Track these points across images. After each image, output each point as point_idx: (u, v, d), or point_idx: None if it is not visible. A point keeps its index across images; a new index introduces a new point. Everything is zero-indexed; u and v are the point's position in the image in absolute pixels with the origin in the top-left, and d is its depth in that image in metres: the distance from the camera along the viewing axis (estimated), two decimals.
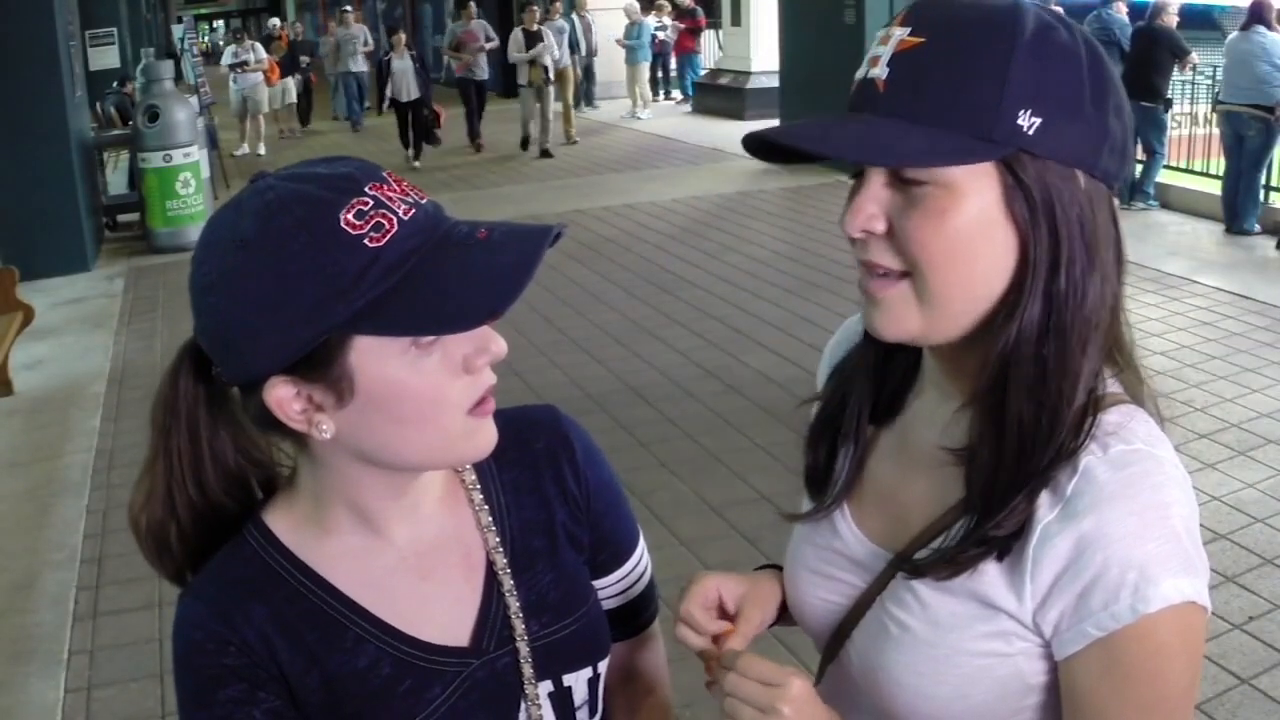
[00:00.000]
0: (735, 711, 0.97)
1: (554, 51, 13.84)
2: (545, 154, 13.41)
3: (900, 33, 0.92)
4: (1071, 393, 0.92)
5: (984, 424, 0.94)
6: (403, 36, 14.37)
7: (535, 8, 13.97)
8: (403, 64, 13.59)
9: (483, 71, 14.39)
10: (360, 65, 16.92)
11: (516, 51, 13.62)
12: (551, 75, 13.70)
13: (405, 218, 0.91)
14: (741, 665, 0.98)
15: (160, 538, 1.02)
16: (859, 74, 0.94)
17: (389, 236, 0.90)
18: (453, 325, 0.91)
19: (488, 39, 14.50)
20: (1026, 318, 0.91)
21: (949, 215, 0.90)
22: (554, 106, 13.86)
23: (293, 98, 17.07)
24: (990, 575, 0.94)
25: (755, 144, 0.97)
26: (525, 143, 13.96)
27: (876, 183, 0.93)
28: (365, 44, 16.99)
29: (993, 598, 0.94)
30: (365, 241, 0.89)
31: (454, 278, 0.90)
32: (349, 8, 18.20)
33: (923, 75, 0.90)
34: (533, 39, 13.59)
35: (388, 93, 13.65)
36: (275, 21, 20.71)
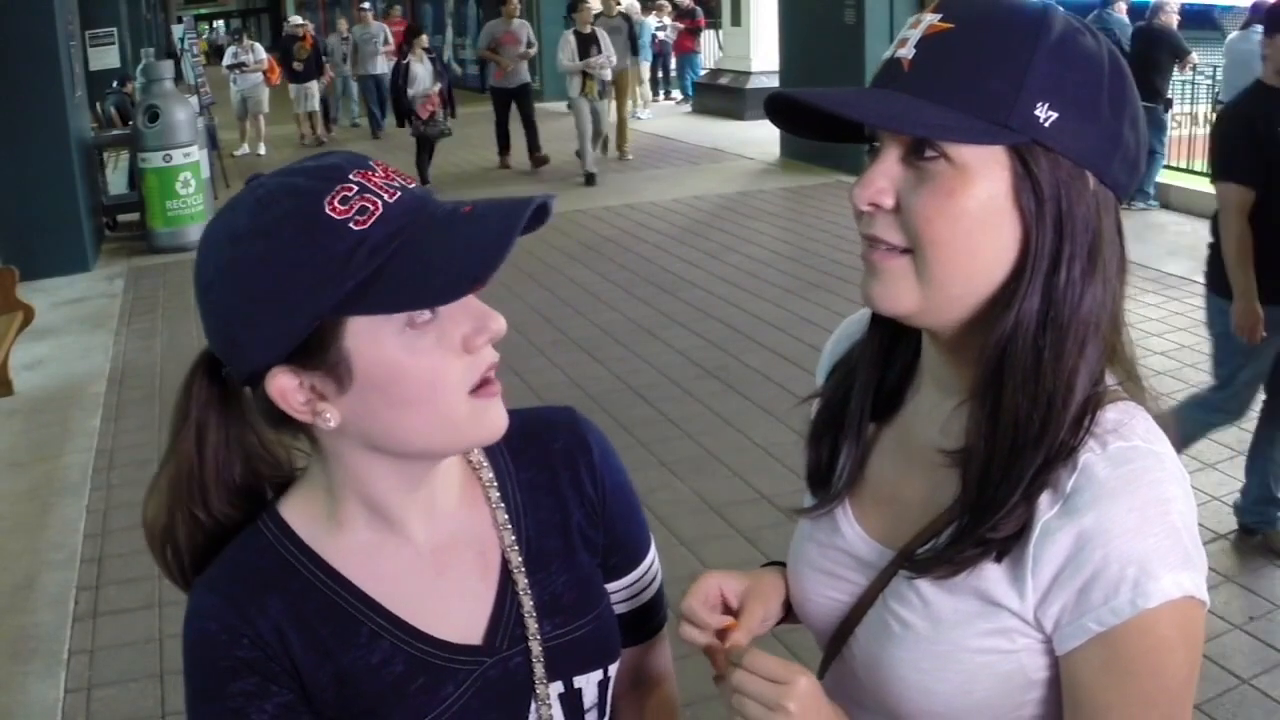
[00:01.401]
0: (742, 707, 0.97)
1: (612, 58, 11.75)
2: (590, 179, 11.46)
3: (931, 18, 0.94)
4: (1066, 391, 0.93)
5: (980, 417, 0.95)
6: (424, 38, 12.59)
7: (588, 6, 11.84)
8: (424, 69, 11.83)
9: (522, 78, 12.58)
10: (380, 67, 15.69)
11: (568, 60, 11.57)
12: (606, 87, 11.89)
13: (390, 200, 0.92)
14: (748, 661, 0.98)
15: (167, 541, 1.03)
16: (885, 54, 0.96)
17: (374, 219, 0.91)
18: (438, 297, 0.91)
19: (529, 44, 12.59)
20: (1025, 308, 0.92)
21: (957, 196, 0.91)
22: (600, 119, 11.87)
23: (315, 104, 15.86)
24: (992, 573, 0.95)
25: (776, 108, 0.98)
26: (591, 179, 11.48)
27: (890, 158, 0.94)
28: (386, 43, 15.83)
29: (995, 595, 0.95)
30: (351, 225, 0.90)
31: (437, 251, 0.91)
32: (366, 5, 17.16)
33: (947, 58, 0.92)
34: (586, 44, 11.57)
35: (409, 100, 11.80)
36: (296, 20, 18.54)
